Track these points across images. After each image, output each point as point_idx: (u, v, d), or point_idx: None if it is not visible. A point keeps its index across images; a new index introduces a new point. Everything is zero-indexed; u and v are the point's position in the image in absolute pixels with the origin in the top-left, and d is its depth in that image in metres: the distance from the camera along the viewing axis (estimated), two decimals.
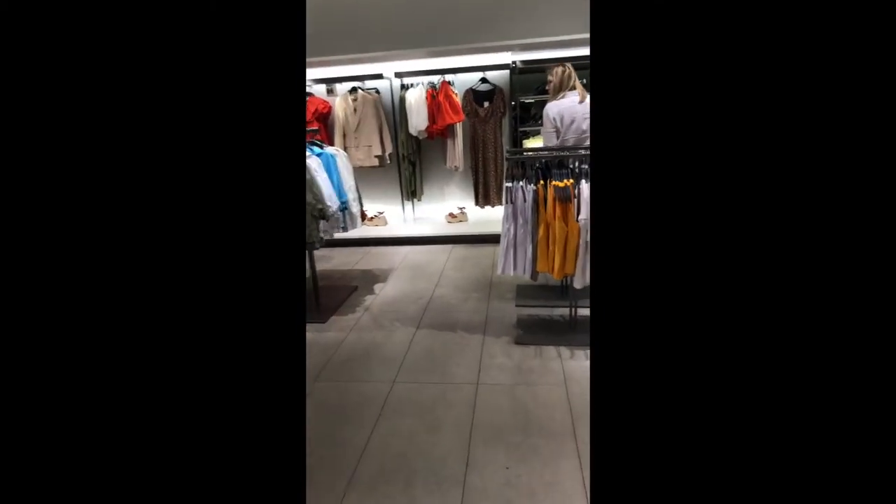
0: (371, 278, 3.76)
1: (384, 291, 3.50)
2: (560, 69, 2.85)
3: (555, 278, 2.54)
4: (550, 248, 2.44)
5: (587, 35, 3.55)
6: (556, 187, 2.39)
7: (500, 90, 4.31)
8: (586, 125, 2.82)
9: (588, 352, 2.49)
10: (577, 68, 2.84)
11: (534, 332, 2.74)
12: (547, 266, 2.47)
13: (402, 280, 3.69)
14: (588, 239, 2.33)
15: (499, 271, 2.60)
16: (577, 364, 2.40)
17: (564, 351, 2.52)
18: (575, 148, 2.75)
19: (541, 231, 2.43)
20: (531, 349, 2.56)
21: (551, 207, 2.39)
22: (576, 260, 2.41)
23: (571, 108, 2.80)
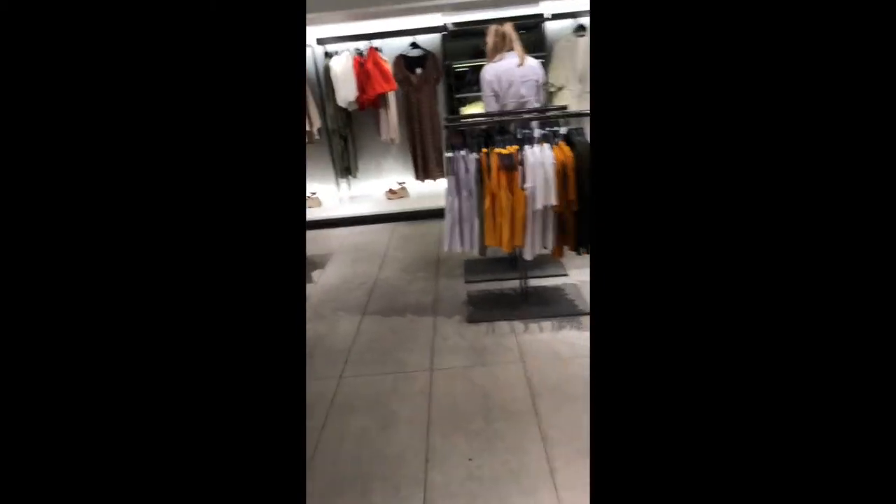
0: (308, 265, 3.49)
1: (323, 279, 3.25)
2: (495, 28, 2.68)
3: (504, 251, 2.43)
4: (497, 219, 2.31)
5: None
6: (499, 155, 2.24)
7: (433, 55, 4.07)
8: (525, 90, 2.68)
9: (541, 324, 2.43)
10: (517, 29, 2.68)
11: (486, 309, 2.63)
12: (495, 240, 2.35)
13: (343, 265, 3.45)
14: (536, 208, 2.22)
15: (444, 248, 2.45)
16: (532, 338, 2.33)
17: (518, 325, 2.43)
18: (515, 112, 2.61)
19: (486, 202, 2.29)
20: (484, 326, 2.46)
21: (495, 177, 2.25)
22: (524, 230, 2.30)
23: (509, 70, 2.65)
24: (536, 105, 2.74)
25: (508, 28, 2.66)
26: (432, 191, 4.31)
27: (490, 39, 2.68)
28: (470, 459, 1.62)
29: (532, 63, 2.70)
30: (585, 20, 3.93)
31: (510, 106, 2.68)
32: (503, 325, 2.45)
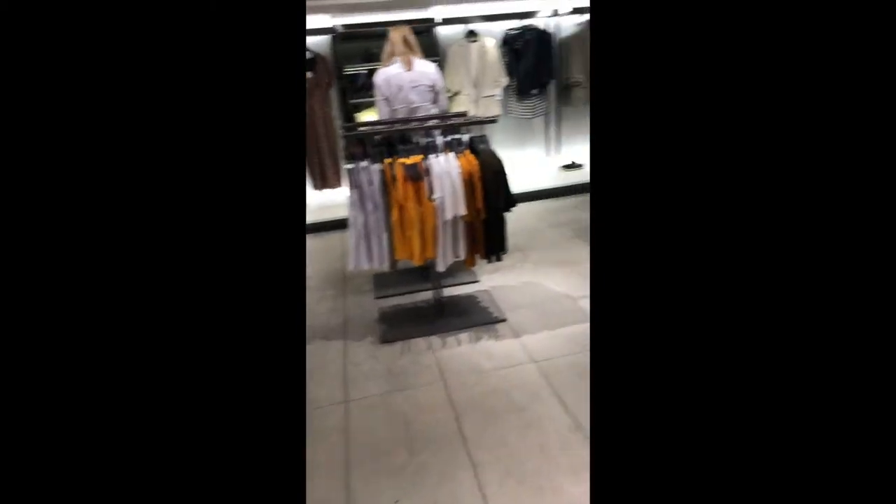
0: None
1: None
2: (390, 32, 2.59)
3: (416, 264, 2.32)
4: (407, 232, 2.19)
5: None
6: (403, 165, 2.13)
7: (323, 58, 3.84)
8: (416, 95, 2.62)
9: (458, 336, 2.36)
10: (415, 32, 2.61)
11: (399, 326, 2.50)
12: (406, 252, 2.23)
13: None
14: (447, 218, 2.14)
15: (350, 267, 2.27)
16: (450, 352, 2.24)
17: (435, 340, 2.34)
18: (420, 119, 2.52)
19: (394, 214, 2.16)
20: (399, 346, 2.32)
21: (401, 188, 2.13)
22: (435, 242, 2.21)
23: (398, 75, 2.57)
24: (433, 111, 2.68)
25: (393, 33, 2.59)
26: (332, 200, 4.07)
27: (387, 44, 2.60)
28: (396, 501, 1.48)
29: (424, 69, 2.63)
30: (475, 26, 3.97)
31: (401, 112, 2.60)
32: (419, 342, 2.33)
